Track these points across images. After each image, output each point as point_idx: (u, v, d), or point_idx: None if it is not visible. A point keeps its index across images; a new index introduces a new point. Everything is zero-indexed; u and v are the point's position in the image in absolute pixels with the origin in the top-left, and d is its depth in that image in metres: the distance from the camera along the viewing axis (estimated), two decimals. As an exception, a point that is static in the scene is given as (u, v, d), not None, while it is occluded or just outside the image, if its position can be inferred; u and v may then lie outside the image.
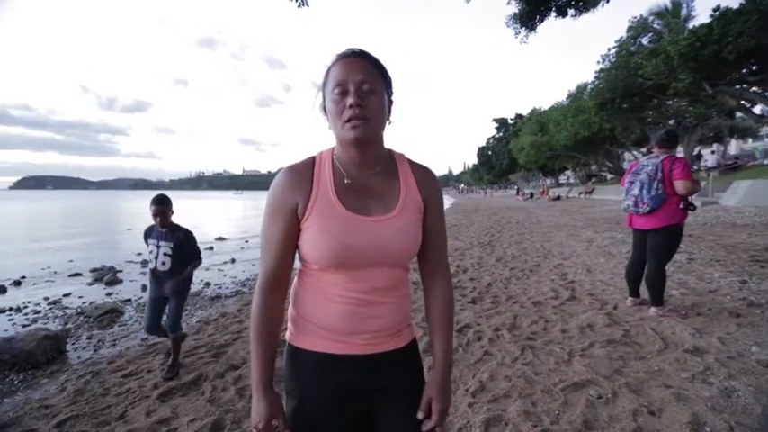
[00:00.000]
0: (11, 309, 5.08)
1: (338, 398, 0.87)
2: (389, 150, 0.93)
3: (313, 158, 0.89)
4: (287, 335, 0.93)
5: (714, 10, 10.36)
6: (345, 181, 0.86)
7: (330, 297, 0.85)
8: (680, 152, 22.62)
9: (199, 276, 7.00)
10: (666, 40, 11.69)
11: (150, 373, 2.86)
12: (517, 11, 5.92)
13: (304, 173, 0.86)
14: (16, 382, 3.02)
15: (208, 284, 6.33)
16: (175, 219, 2.92)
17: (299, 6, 5.13)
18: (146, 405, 2.38)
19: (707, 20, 10.61)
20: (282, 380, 0.93)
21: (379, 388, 0.89)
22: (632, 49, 15.20)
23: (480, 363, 2.60)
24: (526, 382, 2.28)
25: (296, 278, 0.94)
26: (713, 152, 22.49)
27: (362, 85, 0.79)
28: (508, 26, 6.12)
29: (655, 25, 16.04)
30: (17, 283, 6.65)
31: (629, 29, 16.08)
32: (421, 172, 0.93)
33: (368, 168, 0.87)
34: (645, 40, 15.46)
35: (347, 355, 0.86)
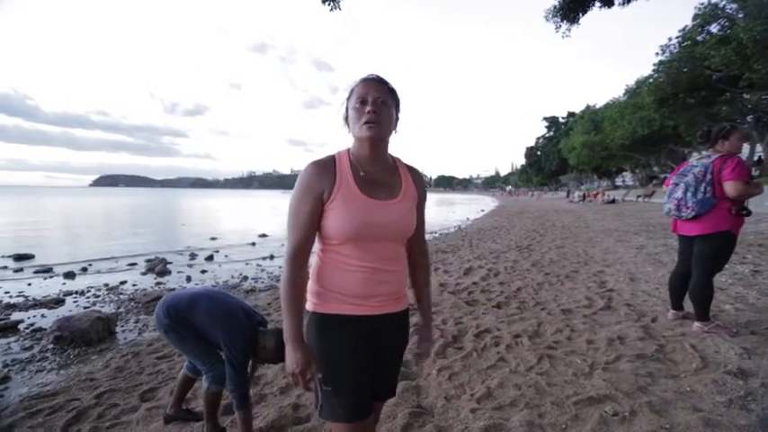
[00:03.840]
0: (76, 292, 5.71)
1: (358, 354, 1.10)
2: (390, 154, 1.19)
3: (333, 155, 1.12)
4: (309, 306, 1.12)
5: (799, -10, 9.10)
6: (361, 173, 1.09)
7: (348, 268, 1.07)
8: (753, 150, 20.14)
9: (238, 270, 7.42)
10: (740, 26, 10.45)
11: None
12: (557, 3, 5.58)
13: (328, 166, 1.09)
14: (71, 356, 3.40)
15: (246, 278, 6.68)
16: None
17: (331, 10, 5.25)
18: (172, 385, 2.57)
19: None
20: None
21: (383, 342, 1.15)
22: (699, 38, 13.74)
23: (492, 369, 2.51)
24: (536, 392, 2.17)
25: (316, 258, 1.14)
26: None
27: (378, 99, 1.05)
28: (548, 20, 5.78)
29: (728, 10, 14.33)
30: (84, 270, 7.45)
31: (696, 16, 14.54)
32: (414, 172, 1.22)
33: (377, 164, 1.12)
34: (714, 28, 13.89)
35: (364, 315, 1.09)
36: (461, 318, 3.56)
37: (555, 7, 5.66)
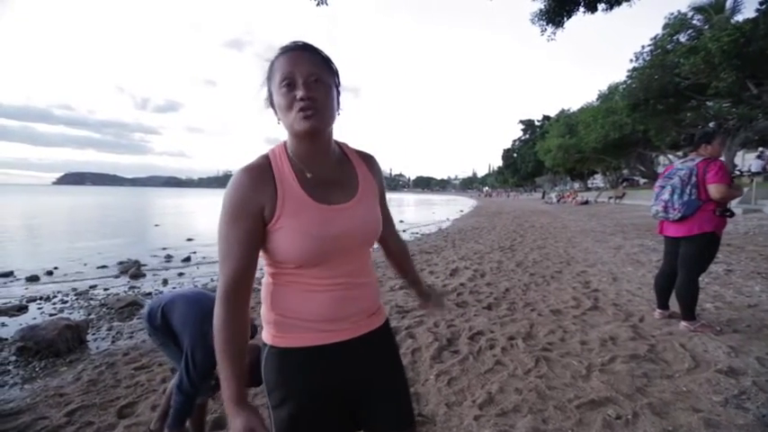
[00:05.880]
0: (41, 298, 5.32)
1: (330, 394, 0.88)
2: (335, 142, 0.96)
3: (267, 157, 0.87)
4: (265, 338, 0.90)
5: (761, 4, 9.67)
6: (308, 175, 0.86)
7: (314, 289, 0.85)
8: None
9: (215, 274, 7.15)
10: (707, 37, 11.00)
11: (161, 367, 2.90)
12: (543, 7, 5.69)
13: (264, 173, 0.84)
14: (37, 369, 3.13)
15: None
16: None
17: (317, 5, 5.13)
18: (152, 399, 2.40)
19: (753, 15, 9.91)
20: (266, 392, 0.90)
21: (366, 369, 0.93)
22: (669, 46, 14.41)
23: (491, 373, 2.47)
24: (538, 396, 2.14)
25: (267, 279, 0.91)
26: (759, 156, 21.05)
27: (310, 77, 0.80)
28: (533, 23, 5.89)
29: (694, 21, 15.10)
30: (49, 273, 6.98)
31: (666, 26, 15.25)
32: (368, 158, 0.99)
33: (324, 160, 0.88)
34: (683, 38, 14.60)
35: (336, 343, 0.88)
36: (453, 320, 3.52)
37: (541, 11, 5.76)
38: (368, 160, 0.99)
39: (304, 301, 0.86)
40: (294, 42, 0.84)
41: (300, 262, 0.83)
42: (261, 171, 0.83)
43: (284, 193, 0.82)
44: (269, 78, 0.84)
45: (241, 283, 0.82)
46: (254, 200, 0.81)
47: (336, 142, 0.96)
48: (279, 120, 0.84)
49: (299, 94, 0.78)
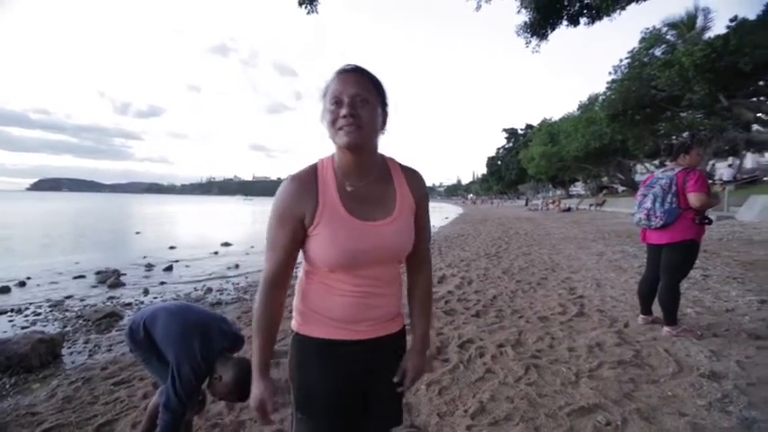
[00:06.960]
0: (12, 310, 5.08)
1: (341, 381, 0.98)
2: (381, 155, 1.02)
3: (315, 167, 0.97)
4: (293, 325, 1.02)
5: (731, 20, 10.17)
6: (348, 188, 0.94)
7: (337, 292, 0.95)
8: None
9: (201, 282, 6.98)
10: (681, 51, 11.51)
11: (142, 382, 2.79)
12: (528, 20, 5.87)
13: (309, 183, 0.94)
14: (8, 386, 2.97)
15: (210, 290, 6.28)
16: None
17: (308, 13, 5.14)
18: (133, 416, 2.30)
19: (723, 31, 10.42)
20: (290, 373, 1.02)
21: (375, 367, 1.02)
22: (645, 60, 15.01)
23: (481, 381, 2.47)
24: (529, 404, 2.15)
25: (302, 274, 1.02)
26: (730, 165, 21.99)
27: (356, 98, 0.88)
28: (518, 35, 6.06)
29: (668, 36, 15.80)
30: (22, 284, 6.68)
31: (642, 40, 15.90)
32: (411, 175, 1.04)
33: (365, 175, 0.96)
34: (658, 52, 15.26)
35: (351, 340, 0.97)
36: (442, 328, 3.51)
37: (526, 23, 5.93)
38: (411, 176, 1.04)
39: (329, 300, 0.96)
40: (348, 65, 0.93)
41: (331, 267, 0.94)
42: (307, 180, 0.94)
43: (324, 203, 0.92)
44: (324, 96, 0.93)
45: (280, 273, 0.96)
46: (297, 207, 0.92)
47: (383, 157, 1.03)
48: (328, 134, 0.92)
49: (344, 111, 0.87)
